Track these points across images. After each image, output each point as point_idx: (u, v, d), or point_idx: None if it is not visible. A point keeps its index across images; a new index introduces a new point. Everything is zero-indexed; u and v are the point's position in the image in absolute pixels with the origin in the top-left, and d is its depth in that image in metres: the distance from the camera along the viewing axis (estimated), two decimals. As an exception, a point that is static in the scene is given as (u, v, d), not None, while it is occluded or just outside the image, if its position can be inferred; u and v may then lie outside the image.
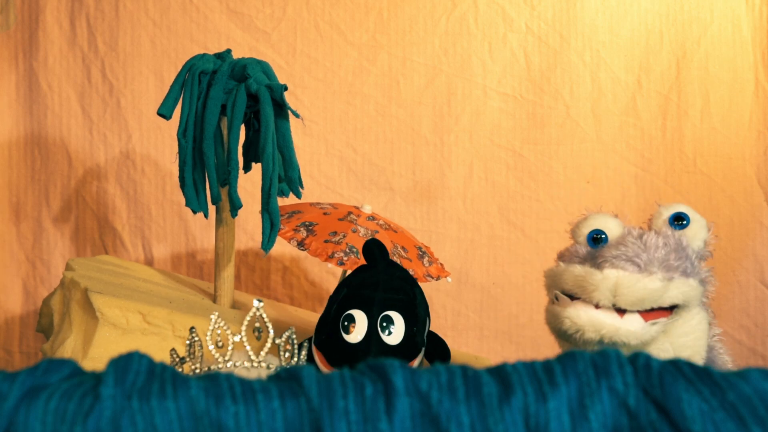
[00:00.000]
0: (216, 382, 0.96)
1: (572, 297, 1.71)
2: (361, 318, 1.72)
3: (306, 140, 2.67)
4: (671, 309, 1.71)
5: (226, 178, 1.95)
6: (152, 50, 2.68)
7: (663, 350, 1.70)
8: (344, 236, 2.07)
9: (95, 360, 1.78)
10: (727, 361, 1.83)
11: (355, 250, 2.04)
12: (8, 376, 0.96)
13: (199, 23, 2.68)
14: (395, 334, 1.73)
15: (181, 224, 2.69)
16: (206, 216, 2.03)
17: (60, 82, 2.68)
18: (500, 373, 0.98)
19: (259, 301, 1.45)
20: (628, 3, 2.65)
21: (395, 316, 1.74)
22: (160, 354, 1.71)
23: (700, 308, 1.74)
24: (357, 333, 1.71)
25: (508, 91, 2.68)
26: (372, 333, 1.71)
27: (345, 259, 2.02)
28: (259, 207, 1.98)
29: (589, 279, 1.67)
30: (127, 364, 0.97)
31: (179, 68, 2.01)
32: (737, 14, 2.63)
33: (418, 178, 2.69)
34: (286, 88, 1.92)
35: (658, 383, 0.95)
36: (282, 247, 2.58)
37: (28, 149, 2.69)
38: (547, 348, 2.68)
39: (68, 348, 1.85)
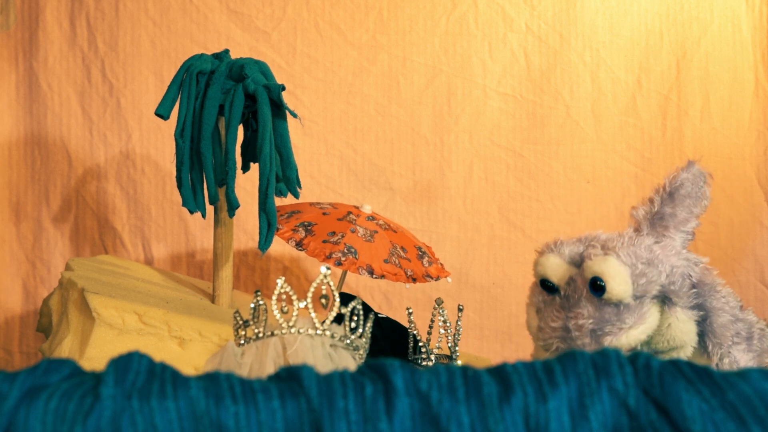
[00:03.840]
0: (216, 382, 0.96)
1: None
2: None
3: (306, 140, 2.67)
4: None
5: (224, 179, 1.95)
6: (152, 50, 2.68)
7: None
8: (342, 236, 2.07)
9: (92, 360, 1.78)
10: None
11: (353, 250, 2.04)
12: (8, 376, 0.96)
13: (199, 23, 2.68)
14: None
15: (181, 224, 2.69)
16: (204, 216, 2.03)
17: (60, 82, 2.68)
18: (500, 373, 0.98)
19: (327, 268, 1.41)
20: (628, 3, 2.65)
21: None
22: (157, 354, 1.71)
23: (671, 310, 1.64)
24: None
25: (508, 91, 2.68)
26: None
27: (343, 259, 2.02)
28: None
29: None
30: (127, 363, 0.97)
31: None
32: (737, 14, 2.63)
33: (418, 178, 2.69)
34: (283, 88, 1.92)
35: (658, 383, 0.95)
36: (282, 247, 2.58)
37: (28, 149, 2.69)
38: (547, 348, 2.68)
39: (65, 348, 1.84)
